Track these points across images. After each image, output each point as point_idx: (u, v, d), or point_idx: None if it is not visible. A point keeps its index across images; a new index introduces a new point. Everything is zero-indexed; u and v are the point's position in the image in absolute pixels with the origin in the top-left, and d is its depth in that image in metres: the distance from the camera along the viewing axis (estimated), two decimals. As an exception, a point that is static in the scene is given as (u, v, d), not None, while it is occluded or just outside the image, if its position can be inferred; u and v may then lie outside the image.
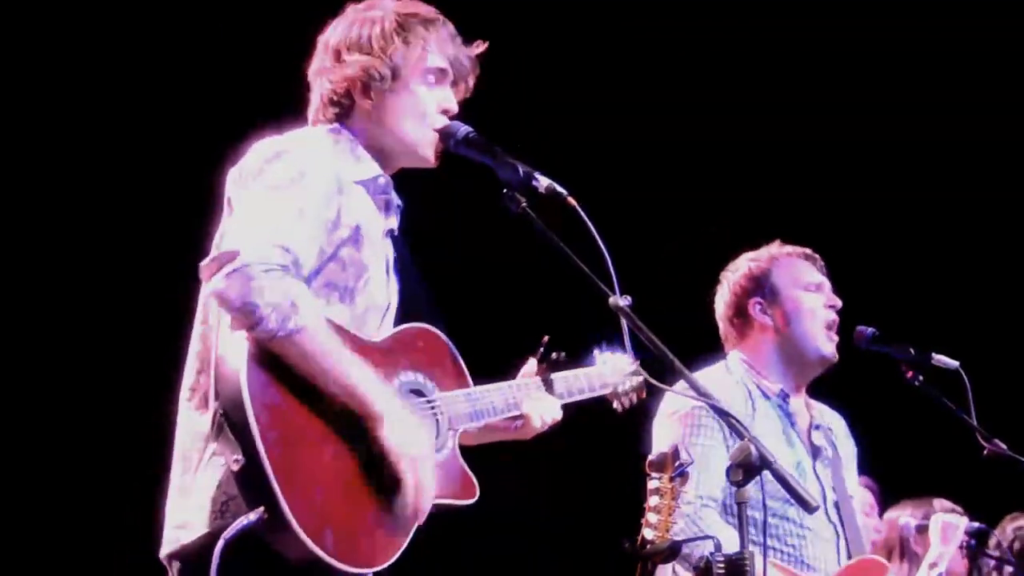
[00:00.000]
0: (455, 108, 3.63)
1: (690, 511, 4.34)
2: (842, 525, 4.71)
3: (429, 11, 3.65)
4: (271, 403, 3.19)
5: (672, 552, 3.49)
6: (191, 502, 3.31)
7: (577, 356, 3.95)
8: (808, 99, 7.59)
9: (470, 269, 6.77)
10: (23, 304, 6.65)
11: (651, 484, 3.54)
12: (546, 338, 3.85)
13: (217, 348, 3.30)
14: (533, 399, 3.78)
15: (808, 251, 4.89)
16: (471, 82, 3.69)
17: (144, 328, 6.36)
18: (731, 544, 3.52)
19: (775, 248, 4.89)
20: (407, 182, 3.70)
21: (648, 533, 3.50)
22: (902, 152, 7.77)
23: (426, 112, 3.59)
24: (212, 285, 3.19)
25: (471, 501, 3.56)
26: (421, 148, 3.60)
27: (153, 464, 3.66)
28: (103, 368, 6.66)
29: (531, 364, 3.87)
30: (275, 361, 3.21)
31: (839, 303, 4.80)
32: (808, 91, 7.60)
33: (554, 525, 7.09)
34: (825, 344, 4.77)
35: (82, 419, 6.70)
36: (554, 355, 3.84)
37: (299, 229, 3.30)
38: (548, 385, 3.83)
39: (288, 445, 3.18)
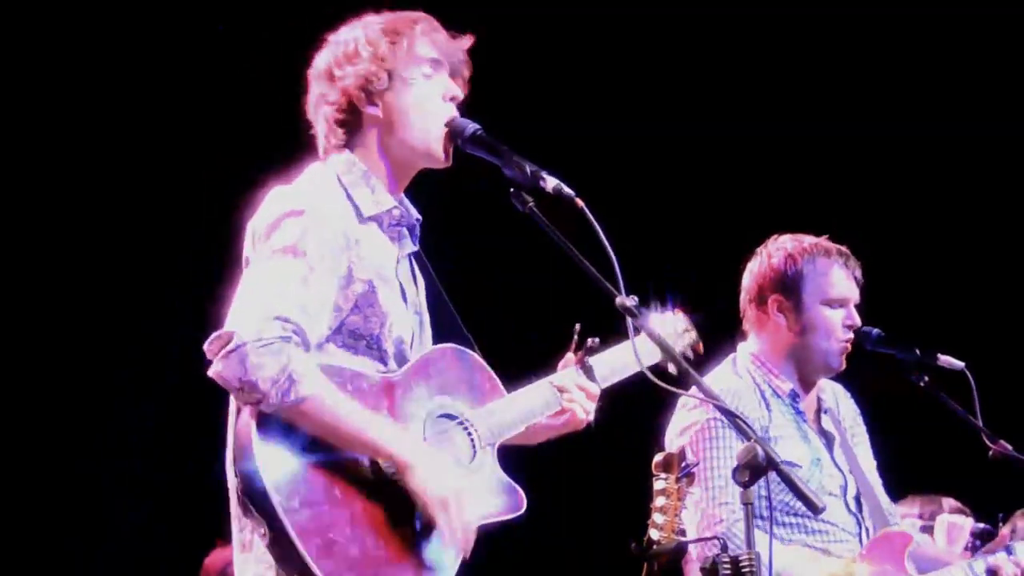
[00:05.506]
0: (460, 94, 3.62)
1: (724, 528, 4.38)
2: (862, 515, 4.73)
3: (410, 13, 3.65)
4: (287, 472, 3.24)
5: (678, 552, 3.50)
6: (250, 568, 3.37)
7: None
8: (819, 100, 7.59)
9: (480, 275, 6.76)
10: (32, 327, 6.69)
11: (657, 485, 3.55)
12: (578, 326, 3.76)
13: (235, 423, 3.34)
14: (571, 391, 3.72)
15: (847, 256, 4.82)
16: (466, 74, 3.66)
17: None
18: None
19: (817, 246, 4.82)
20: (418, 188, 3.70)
21: (654, 533, 3.51)
22: (908, 151, 7.76)
23: (430, 104, 3.57)
24: (212, 368, 3.25)
25: (518, 513, 3.56)
26: (431, 144, 3.57)
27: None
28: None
29: (568, 356, 3.79)
30: (285, 428, 3.26)
31: (858, 323, 4.77)
32: (821, 91, 7.61)
33: (560, 526, 7.09)
34: (833, 359, 4.77)
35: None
36: (589, 341, 3.75)
37: (301, 296, 3.32)
38: (588, 372, 3.76)
39: (311, 508, 3.22)
